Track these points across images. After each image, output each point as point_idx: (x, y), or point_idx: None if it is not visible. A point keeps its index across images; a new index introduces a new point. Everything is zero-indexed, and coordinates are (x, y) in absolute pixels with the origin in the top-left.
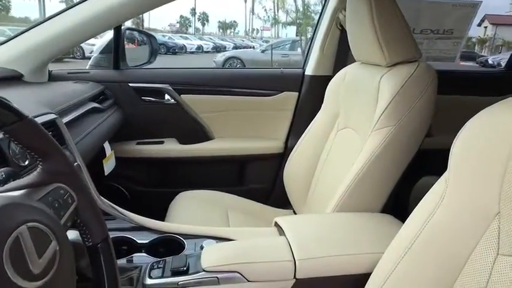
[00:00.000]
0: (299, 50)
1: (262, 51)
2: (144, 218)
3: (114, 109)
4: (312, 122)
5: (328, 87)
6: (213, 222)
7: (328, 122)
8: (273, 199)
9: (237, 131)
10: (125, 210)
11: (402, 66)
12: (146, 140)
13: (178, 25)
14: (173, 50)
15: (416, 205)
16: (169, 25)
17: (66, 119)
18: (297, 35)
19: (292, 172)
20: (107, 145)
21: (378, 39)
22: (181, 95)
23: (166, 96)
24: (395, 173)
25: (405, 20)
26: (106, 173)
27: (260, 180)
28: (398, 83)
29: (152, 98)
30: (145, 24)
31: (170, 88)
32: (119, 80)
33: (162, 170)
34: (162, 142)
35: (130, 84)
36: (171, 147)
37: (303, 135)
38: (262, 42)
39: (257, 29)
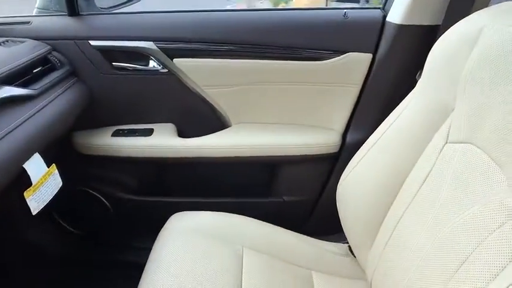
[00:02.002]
0: None
1: None
2: None
3: (68, 84)
4: (396, 111)
5: (434, 49)
6: (213, 280)
7: (427, 119)
8: (317, 217)
9: (267, 115)
10: None
11: None
12: (127, 126)
13: None
14: None
15: None
16: None
17: None
18: None
19: (353, 190)
20: (34, 162)
21: None
22: (175, 60)
23: (152, 63)
24: None
25: None
26: (34, 212)
27: (299, 190)
28: None
29: (128, 65)
30: None
31: (156, 47)
32: (74, 35)
33: (154, 173)
34: (150, 131)
35: (92, 43)
36: (165, 143)
37: (378, 132)
38: None
39: None
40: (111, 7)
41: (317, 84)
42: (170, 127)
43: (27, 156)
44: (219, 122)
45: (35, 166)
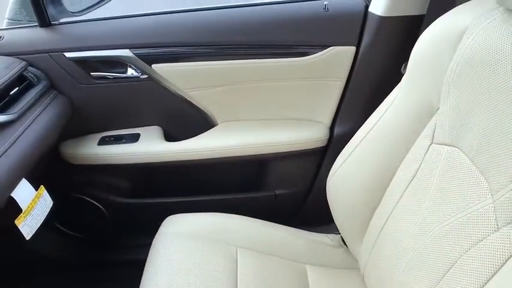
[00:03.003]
0: None
1: None
2: None
3: (47, 99)
4: (382, 107)
5: (417, 46)
6: (209, 282)
7: (413, 117)
8: (309, 208)
9: (253, 113)
10: None
11: None
12: (113, 132)
13: None
14: None
15: None
16: None
17: None
18: None
19: (342, 186)
20: (22, 188)
21: None
22: (153, 65)
23: (131, 70)
24: None
25: None
26: (27, 237)
27: (290, 184)
28: None
29: (107, 74)
30: None
31: (132, 55)
32: (48, 48)
33: (145, 176)
34: (137, 137)
35: (67, 55)
36: (152, 148)
37: (364, 129)
38: None
39: None
40: (83, 10)
41: (302, 80)
42: (157, 130)
43: (14, 184)
44: (205, 121)
45: (23, 192)
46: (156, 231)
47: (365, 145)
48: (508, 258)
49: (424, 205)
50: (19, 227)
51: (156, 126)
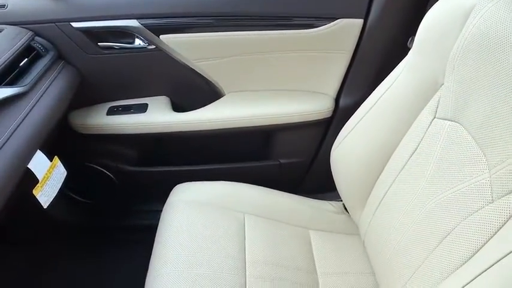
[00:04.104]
0: None
1: None
2: None
3: (56, 70)
4: (387, 81)
5: (425, 20)
6: (219, 245)
7: (417, 91)
8: (313, 177)
9: (260, 84)
10: None
11: None
12: (121, 103)
13: None
14: None
15: None
16: None
17: None
18: None
19: (345, 157)
20: (37, 159)
21: None
22: (161, 36)
23: (138, 40)
24: None
25: None
26: (45, 206)
27: (295, 153)
28: None
29: (115, 44)
30: None
31: (140, 25)
32: (55, 17)
33: (153, 146)
34: (145, 107)
35: (74, 25)
36: (160, 119)
37: (368, 102)
38: None
39: None
40: None
41: (309, 52)
42: (164, 101)
43: (29, 156)
44: (212, 92)
45: (39, 163)
46: (165, 199)
47: (369, 118)
48: (500, 228)
49: (424, 177)
50: (37, 197)
51: (164, 97)
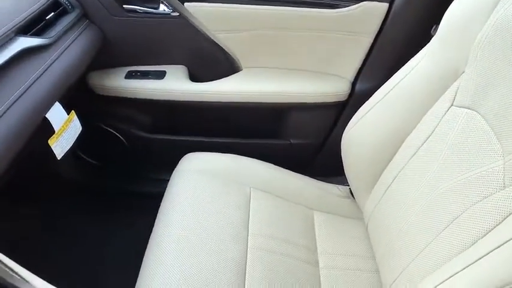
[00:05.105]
0: None
1: None
2: None
3: (80, 28)
4: (407, 67)
5: (451, 8)
6: (223, 214)
7: (437, 79)
8: (322, 159)
9: (278, 61)
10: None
11: None
12: (140, 68)
13: None
14: None
15: None
16: None
17: None
18: None
19: (357, 140)
20: (55, 111)
21: None
22: (186, 3)
23: (162, 7)
24: None
25: None
26: (59, 157)
27: (306, 134)
28: None
29: (139, 8)
30: None
31: None
32: None
33: (167, 114)
34: (163, 74)
35: None
36: (177, 87)
37: (386, 87)
38: None
39: None
40: None
41: (330, 32)
42: (182, 70)
43: (48, 106)
44: (230, 65)
45: (56, 115)
46: (174, 169)
47: (385, 103)
48: (509, 214)
49: (436, 163)
50: (52, 147)
51: (182, 66)
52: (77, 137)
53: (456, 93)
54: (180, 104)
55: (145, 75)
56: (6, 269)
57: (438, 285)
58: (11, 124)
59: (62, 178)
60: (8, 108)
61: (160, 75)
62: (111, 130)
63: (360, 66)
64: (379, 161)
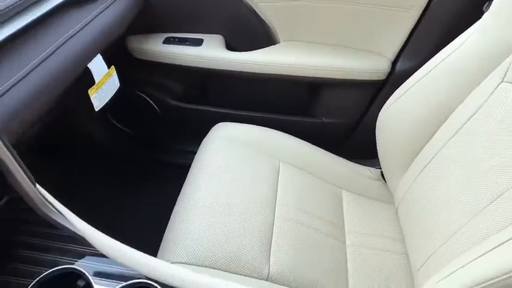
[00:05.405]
0: None
1: None
2: (111, 240)
3: None
4: (454, 43)
5: None
6: (251, 183)
7: (486, 56)
8: (354, 141)
9: (317, 35)
10: (76, 219)
11: None
12: (178, 35)
13: None
14: None
15: None
16: None
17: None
18: None
19: (395, 119)
20: (97, 62)
21: None
22: None
23: None
24: None
25: None
26: (97, 109)
27: (340, 113)
28: None
29: None
30: None
31: None
32: None
33: (200, 82)
34: (200, 42)
35: None
36: (214, 54)
37: (430, 63)
38: None
39: None
40: None
41: (373, 6)
42: (219, 39)
43: (91, 56)
44: (267, 37)
45: (98, 66)
46: (202, 141)
47: (427, 81)
48: None
49: (481, 140)
50: (91, 98)
51: (219, 35)
52: (109, 103)
53: (507, 69)
54: (215, 73)
55: (183, 41)
56: (47, 202)
57: (471, 261)
58: (52, 68)
59: (95, 141)
60: (51, 54)
61: (198, 42)
62: (145, 97)
63: (402, 45)
64: (418, 139)
